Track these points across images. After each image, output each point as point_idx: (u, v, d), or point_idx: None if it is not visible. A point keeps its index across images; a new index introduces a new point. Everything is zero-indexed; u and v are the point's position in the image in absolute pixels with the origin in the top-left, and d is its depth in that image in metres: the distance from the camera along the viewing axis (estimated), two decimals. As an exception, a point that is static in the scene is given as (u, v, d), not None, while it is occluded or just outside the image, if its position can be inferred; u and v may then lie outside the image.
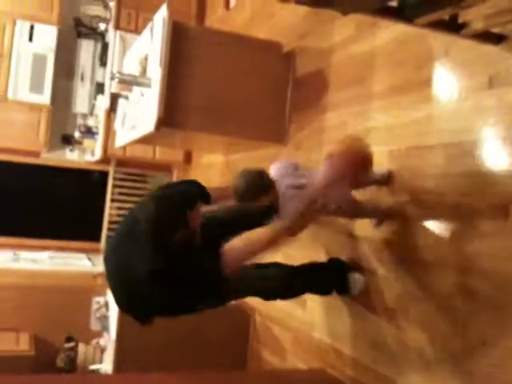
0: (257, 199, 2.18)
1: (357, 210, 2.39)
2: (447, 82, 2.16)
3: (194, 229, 2.02)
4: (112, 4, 5.20)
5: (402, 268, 2.29)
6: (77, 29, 5.57)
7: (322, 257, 2.82)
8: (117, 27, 5.12)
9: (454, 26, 1.79)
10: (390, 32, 2.54)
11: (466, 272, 1.96)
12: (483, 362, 1.86)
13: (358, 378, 2.51)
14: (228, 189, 2.34)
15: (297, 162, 2.40)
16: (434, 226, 2.15)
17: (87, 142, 5.41)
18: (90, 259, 4.96)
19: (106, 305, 3.82)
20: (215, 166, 4.79)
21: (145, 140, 3.70)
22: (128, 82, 3.50)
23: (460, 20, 1.76)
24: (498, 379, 1.80)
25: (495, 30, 1.88)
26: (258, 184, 2.16)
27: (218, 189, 2.47)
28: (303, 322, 3.03)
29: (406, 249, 2.29)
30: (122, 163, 5.74)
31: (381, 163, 2.50)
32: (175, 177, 6.01)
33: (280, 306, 3.29)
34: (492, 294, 1.85)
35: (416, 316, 2.19)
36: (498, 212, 1.86)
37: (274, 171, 2.30)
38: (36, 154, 5.52)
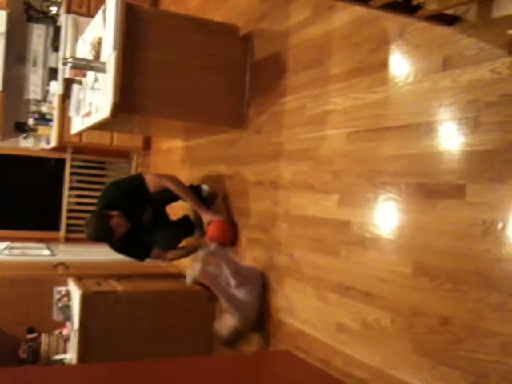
0: None
1: None
2: (403, 64, 2.18)
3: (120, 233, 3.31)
4: (63, -14, 5.05)
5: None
6: (27, 13, 5.40)
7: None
8: (68, 11, 4.99)
9: (408, 8, 1.81)
10: (346, 14, 2.54)
11: (424, 251, 2.00)
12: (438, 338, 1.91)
13: (323, 358, 2.55)
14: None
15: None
16: (390, 206, 2.19)
17: (42, 130, 5.28)
18: (49, 249, 4.87)
19: (68, 294, 3.76)
20: (175, 152, 4.74)
21: (101, 126, 3.63)
22: (81, 67, 3.41)
23: (414, 2, 1.77)
24: (458, 355, 1.85)
25: (449, 12, 1.90)
26: None
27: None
28: (268, 305, 3.05)
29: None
30: (79, 150, 5.64)
31: (339, 146, 2.52)
32: (134, 163, 5.93)
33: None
34: (449, 272, 1.89)
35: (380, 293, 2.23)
36: (455, 191, 1.89)
37: None
38: (-11, 143, 5.37)
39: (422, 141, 2.05)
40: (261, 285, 3.06)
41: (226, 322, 3.02)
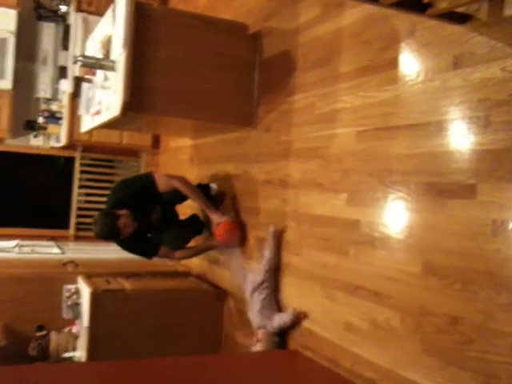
0: None
1: None
2: (413, 63, 2.17)
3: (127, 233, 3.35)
4: (72, -15, 5.07)
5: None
6: (37, 11, 5.43)
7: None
8: (78, 9, 5.01)
9: (418, 6, 1.79)
10: (356, 13, 2.52)
11: (433, 251, 1.99)
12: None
13: (331, 358, 2.54)
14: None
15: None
16: (399, 205, 2.17)
17: (51, 128, 5.30)
18: (59, 247, 4.90)
19: (77, 292, 3.77)
20: (184, 150, 4.75)
21: (110, 125, 3.63)
22: (91, 66, 3.42)
23: (425, 0, 1.76)
24: (468, 356, 1.84)
25: (460, 10, 1.89)
26: None
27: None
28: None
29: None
30: (88, 148, 5.66)
31: (348, 144, 2.51)
32: (143, 161, 5.95)
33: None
34: (458, 272, 1.88)
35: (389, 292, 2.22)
36: (465, 190, 1.88)
37: None
38: (-1, 141, 5.40)
39: (432, 140, 2.03)
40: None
41: (259, 337, 2.95)
